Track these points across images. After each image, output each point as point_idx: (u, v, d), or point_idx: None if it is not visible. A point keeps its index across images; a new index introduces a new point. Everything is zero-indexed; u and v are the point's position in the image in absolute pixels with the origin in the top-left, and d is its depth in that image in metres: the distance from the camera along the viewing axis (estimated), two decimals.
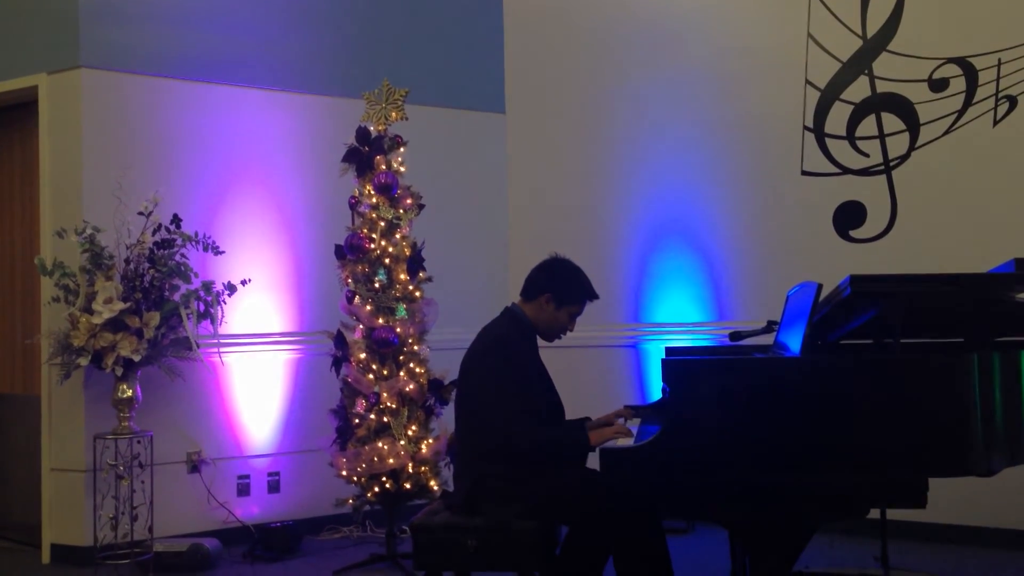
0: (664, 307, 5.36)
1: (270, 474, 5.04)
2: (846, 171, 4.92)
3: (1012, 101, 4.55)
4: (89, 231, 4.32)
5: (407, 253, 4.44)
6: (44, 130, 4.74)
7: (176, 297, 4.44)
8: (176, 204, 4.66)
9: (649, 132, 5.42)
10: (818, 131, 4.98)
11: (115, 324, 4.22)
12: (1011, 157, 4.54)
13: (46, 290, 4.54)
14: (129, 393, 4.34)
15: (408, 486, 4.31)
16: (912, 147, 4.77)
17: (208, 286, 4.51)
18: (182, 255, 4.49)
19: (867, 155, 4.87)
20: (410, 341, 4.41)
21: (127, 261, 4.39)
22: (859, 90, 4.89)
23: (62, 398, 4.60)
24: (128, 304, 4.23)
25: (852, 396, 2.61)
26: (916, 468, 2.60)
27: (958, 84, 4.66)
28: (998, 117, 4.58)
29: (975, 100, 4.62)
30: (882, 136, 4.84)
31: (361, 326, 4.40)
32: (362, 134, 4.48)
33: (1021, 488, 4.28)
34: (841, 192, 4.92)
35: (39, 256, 4.49)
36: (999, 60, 4.57)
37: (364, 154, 4.48)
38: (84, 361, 4.22)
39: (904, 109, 4.78)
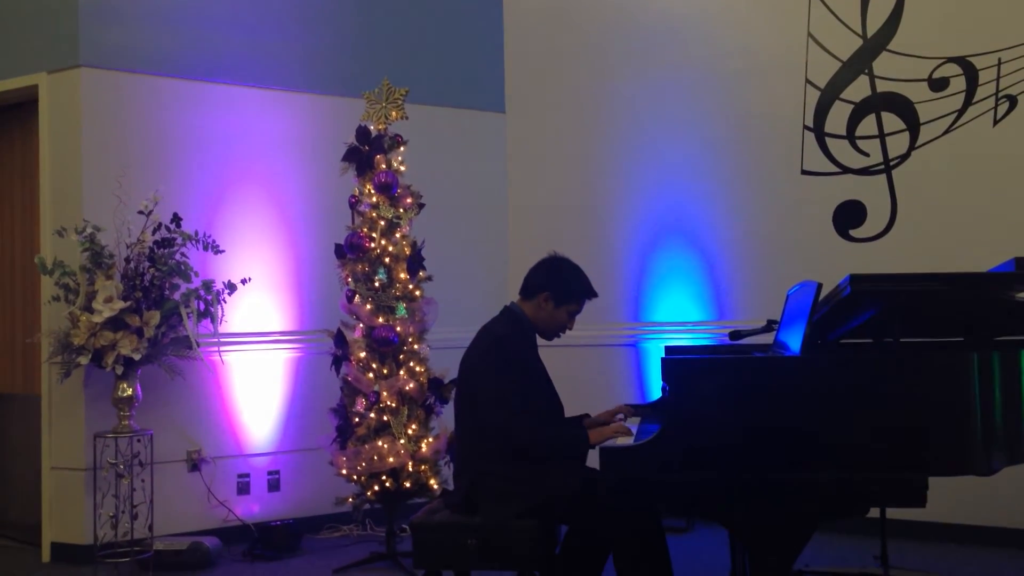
0: (664, 306, 5.36)
1: (270, 473, 5.04)
2: (846, 170, 4.92)
3: (1012, 101, 4.55)
4: (89, 230, 4.32)
5: (407, 252, 4.44)
6: (44, 129, 4.74)
7: (176, 296, 4.44)
8: (176, 203, 4.66)
9: (649, 131, 5.42)
10: (818, 130, 4.98)
11: (115, 323, 4.22)
12: (1011, 157, 4.54)
13: (46, 289, 4.55)
14: (129, 392, 4.35)
15: (408, 485, 4.31)
16: (912, 146, 4.77)
17: (208, 285, 4.52)
18: (182, 254, 4.49)
19: (867, 155, 4.88)
20: (410, 340, 4.41)
21: (127, 260, 4.39)
22: (859, 89, 4.89)
23: (62, 397, 4.60)
24: (128, 303, 4.23)
25: (852, 395, 2.61)
26: (916, 467, 2.60)
27: (958, 84, 4.66)
28: (998, 117, 4.58)
29: (975, 100, 4.62)
30: (882, 136, 4.84)
31: (361, 325, 4.40)
32: (362, 133, 4.49)
33: (1021, 488, 4.29)
34: (841, 191, 4.92)
35: (39, 255, 4.49)
36: (999, 60, 4.57)
37: (364, 153, 4.48)
38: (84, 360, 4.23)
39: (904, 108, 4.78)
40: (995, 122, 4.59)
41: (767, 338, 3.63)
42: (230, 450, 4.94)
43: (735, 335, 3.72)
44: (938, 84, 4.71)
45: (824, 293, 2.84)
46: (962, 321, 3.17)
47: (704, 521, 4.87)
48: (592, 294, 3.28)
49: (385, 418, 4.32)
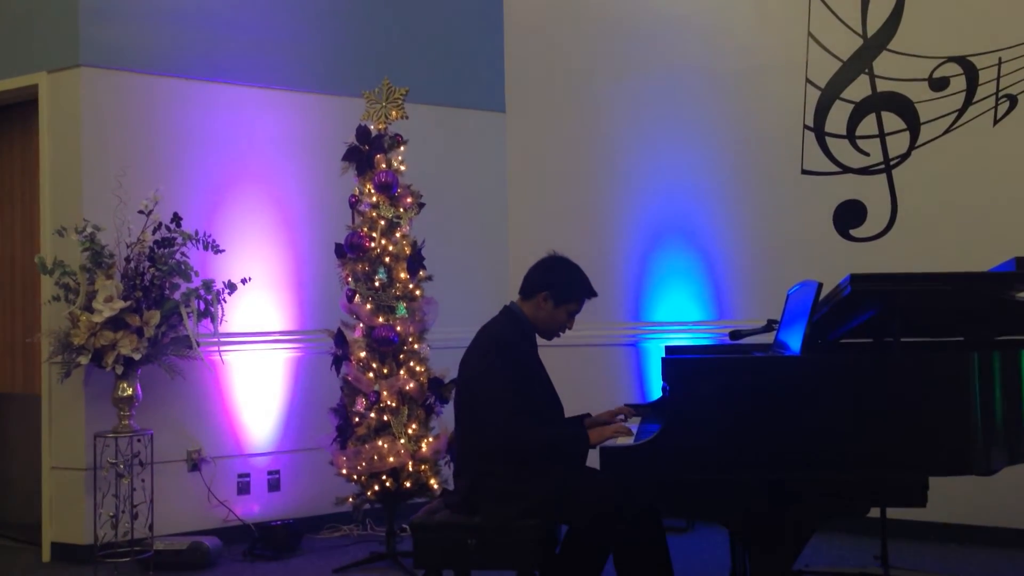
0: (664, 306, 5.36)
1: (270, 472, 5.04)
2: (846, 170, 4.92)
3: (1012, 100, 4.55)
4: (89, 230, 4.32)
5: (407, 252, 4.44)
6: (44, 129, 4.74)
7: (176, 296, 4.44)
8: (176, 203, 4.66)
9: (649, 131, 5.41)
10: (818, 130, 4.98)
11: (115, 322, 4.22)
12: (1011, 156, 4.54)
13: (46, 289, 4.55)
14: (129, 391, 4.35)
15: (408, 485, 4.31)
16: (912, 146, 4.77)
17: (208, 284, 4.52)
18: (182, 253, 4.49)
19: (867, 154, 4.87)
20: (410, 340, 4.41)
21: (127, 260, 4.39)
22: (859, 89, 4.89)
23: (62, 397, 4.60)
24: (128, 303, 4.23)
25: (852, 395, 2.61)
26: (916, 467, 2.60)
27: (958, 83, 4.66)
28: (998, 116, 4.58)
29: (975, 99, 4.62)
30: (882, 135, 4.84)
31: (361, 325, 4.40)
32: (362, 133, 4.49)
33: (1021, 488, 4.28)
34: (841, 191, 4.92)
35: (39, 255, 4.49)
36: (999, 59, 4.57)
37: (364, 153, 4.48)
38: (84, 360, 4.22)
39: (904, 108, 4.78)
40: (995, 122, 4.58)
41: (767, 338, 3.63)
42: (230, 450, 4.94)
43: (735, 335, 3.72)
44: (938, 84, 4.71)
45: (824, 293, 2.84)
46: (962, 321, 3.17)
47: (704, 521, 4.87)
48: (592, 293, 3.28)
49: (385, 418, 4.32)
